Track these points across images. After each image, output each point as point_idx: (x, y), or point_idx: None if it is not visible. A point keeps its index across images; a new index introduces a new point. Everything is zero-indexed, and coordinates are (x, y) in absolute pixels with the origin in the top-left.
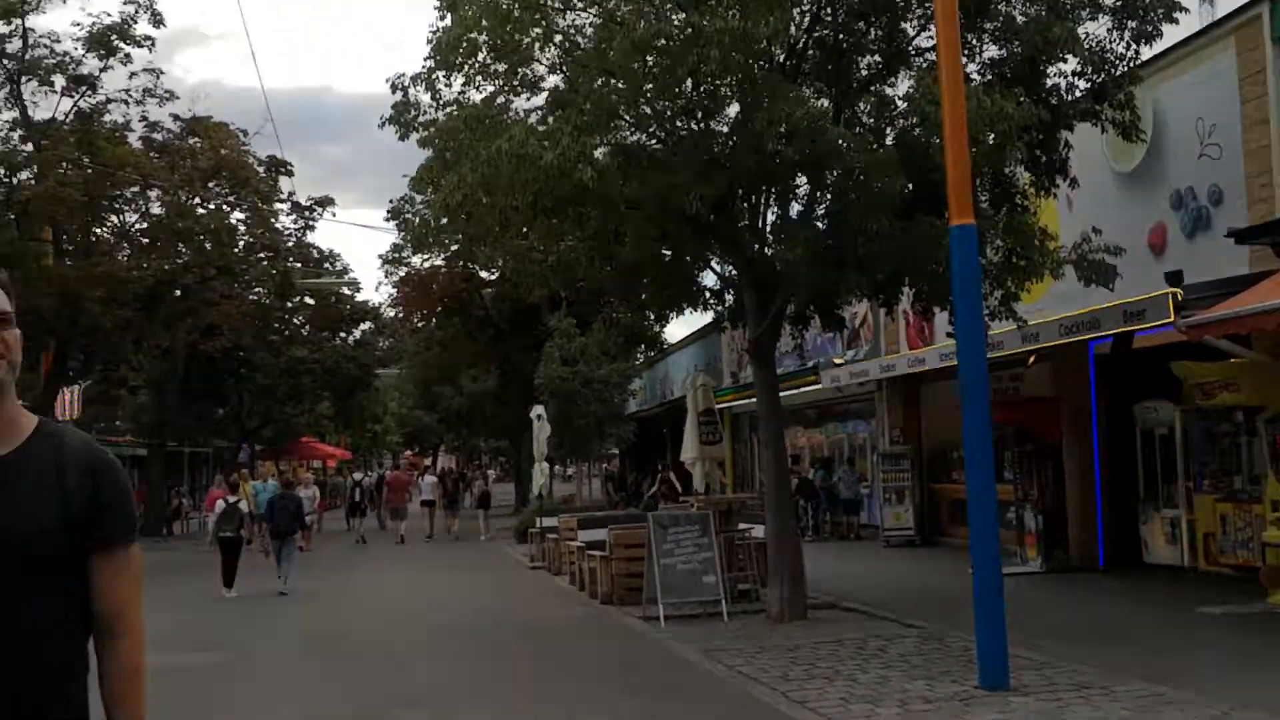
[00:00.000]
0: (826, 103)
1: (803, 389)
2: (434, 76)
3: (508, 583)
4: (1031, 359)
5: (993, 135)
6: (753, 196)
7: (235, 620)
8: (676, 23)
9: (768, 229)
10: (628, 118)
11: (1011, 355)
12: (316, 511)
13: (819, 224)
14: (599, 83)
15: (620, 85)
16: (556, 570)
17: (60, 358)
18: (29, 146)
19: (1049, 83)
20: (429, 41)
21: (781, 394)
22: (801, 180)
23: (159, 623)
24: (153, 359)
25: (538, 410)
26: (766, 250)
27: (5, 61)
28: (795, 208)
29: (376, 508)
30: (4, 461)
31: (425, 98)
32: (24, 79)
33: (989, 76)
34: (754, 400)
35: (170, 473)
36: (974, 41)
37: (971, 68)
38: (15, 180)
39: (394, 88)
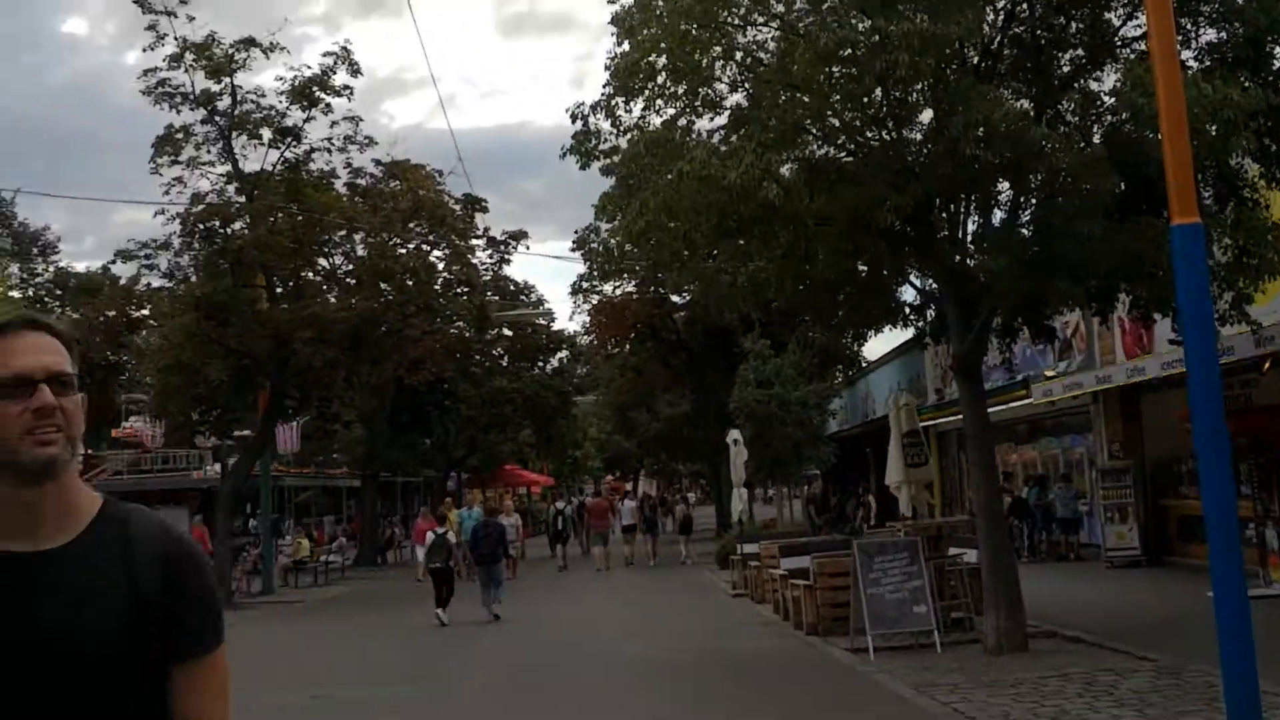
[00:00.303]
0: (1026, 103)
1: (1012, 404)
2: (613, 103)
3: (709, 611)
4: (1267, 364)
5: (1215, 125)
6: (951, 205)
7: (441, 651)
8: (861, 30)
9: (969, 238)
10: (814, 131)
11: (1244, 361)
12: (519, 539)
13: (1024, 230)
14: (782, 98)
15: (805, 99)
16: (759, 598)
17: (276, 396)
18: (241, 198)
19: (1276, 65)
20: (607, 68)
21: (990, 410)
22: (1003, 185)
23: (370, 652)
24: (362, 394)
25: (734, 434)
26: (969, 261)
27: (217, 119)
28: (997, 215)
29: (578, 534)
30: (60, 554)
31: (605, 125)
32: (234, 134)
33: (1207, 62)
34: (960, 418)
35: (384, 503)
36: (1189, 26)
37: (1187, 54)
38: (229, 230)
39: (574, 117)
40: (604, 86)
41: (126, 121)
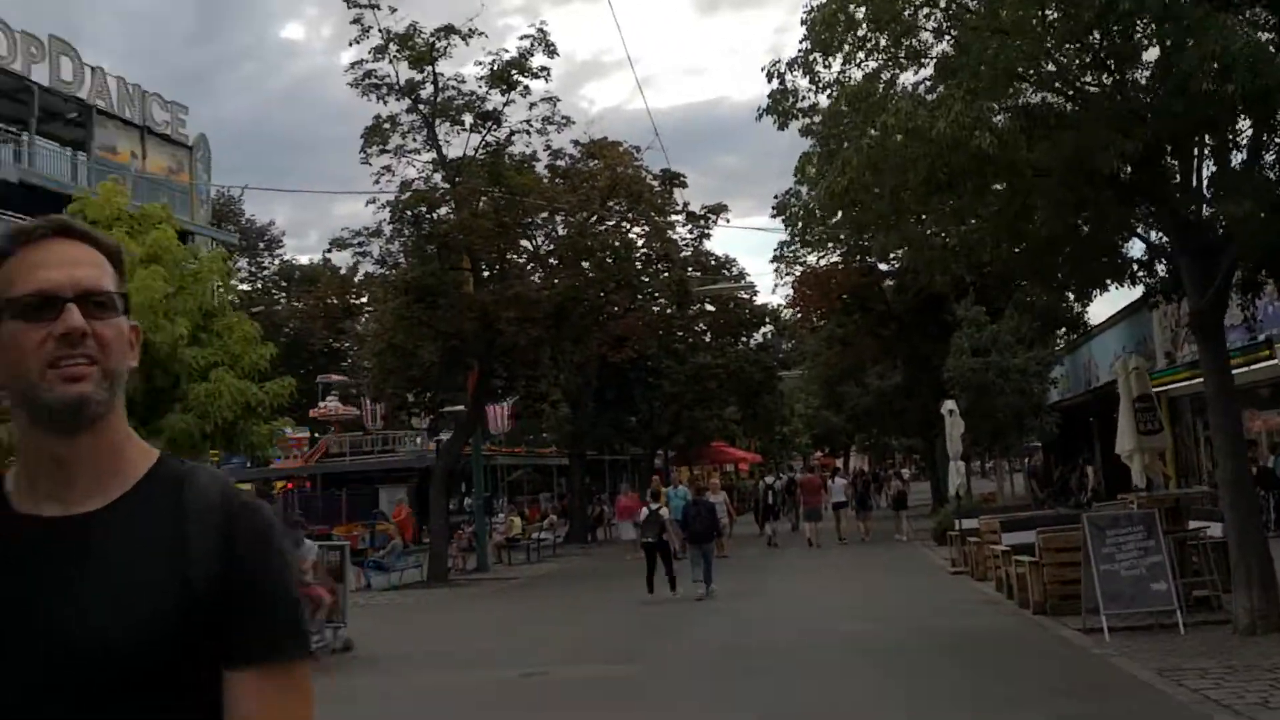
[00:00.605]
0: (1267, 35)
1: (1254, 365)
2: (811, 59)
3: (927, 589)
4: None
5: None
6: (1184, 149)
7: (653, 628)
8: None
9: (1205, 184)
10: (1028, 77)
11: None
12: (728, 517)
13: (1270, 173)
14: (993, 44)
15: (1017, 43)
16: (980, 575)
17: (484, 376)
18: (446, 184)
19: None
20: (804, 21)
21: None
22: (1244, 124)
23: (580, 630)
24: (568, 372)
25: (949, 405)
26: (1205, 209)
27: (421, 107)
28: (1237, 157)
29: (788, 510)
30: (97, 520)
31: (803, 82)
32: (437, 121)
33: None
34: (1194, 382)
35: (592, 480)
36: None
37: None
38: (435, 216)
39: (770, 76)
40: (801, 42)
41: (343, 118)
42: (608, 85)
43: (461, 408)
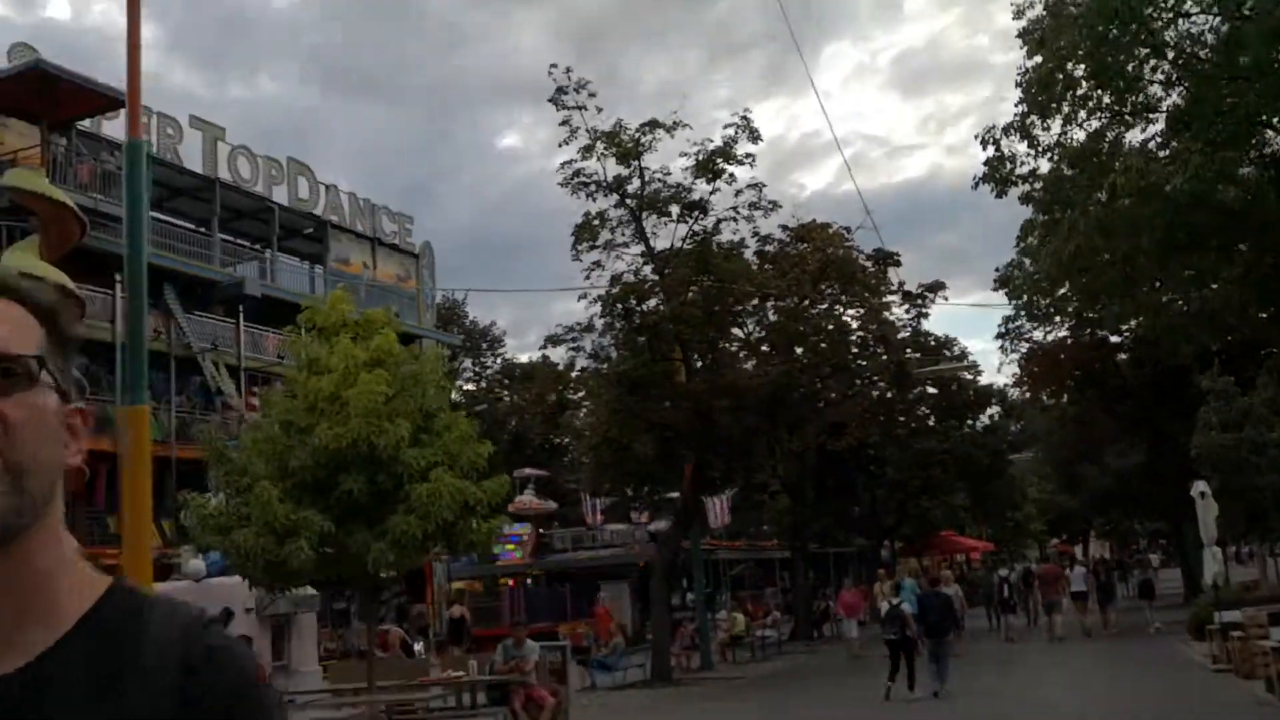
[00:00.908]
0: None
1: None
2: (1028, 122)
3: (1183, 689)
4: None
5: None
6: None
7: None
8: None
9: None
10: (1274, 123)
11: None
12: (961, 610)
13: None
14: (1231, 91)
15: (1257, 87)
16: (1246, 674)
17: (700, 468)
18: (654, 275)
19: None
20: (1018, 84)
21: None
22: None
23: None
24: (785, 462)
25: (1199, 486)
26: None
27: (628, 201)
28: None
29: (1025, 602)
30: (7, 688)
31: (1021, 147)
32: (644, 214)
33: None
34: None
35: (816, 574)
36: None
37: None
38: (645, 307)
39: (985, 142)
40: (1016, 105)
41: (560, 219)
42: (816, 170)
43: (677, 494)
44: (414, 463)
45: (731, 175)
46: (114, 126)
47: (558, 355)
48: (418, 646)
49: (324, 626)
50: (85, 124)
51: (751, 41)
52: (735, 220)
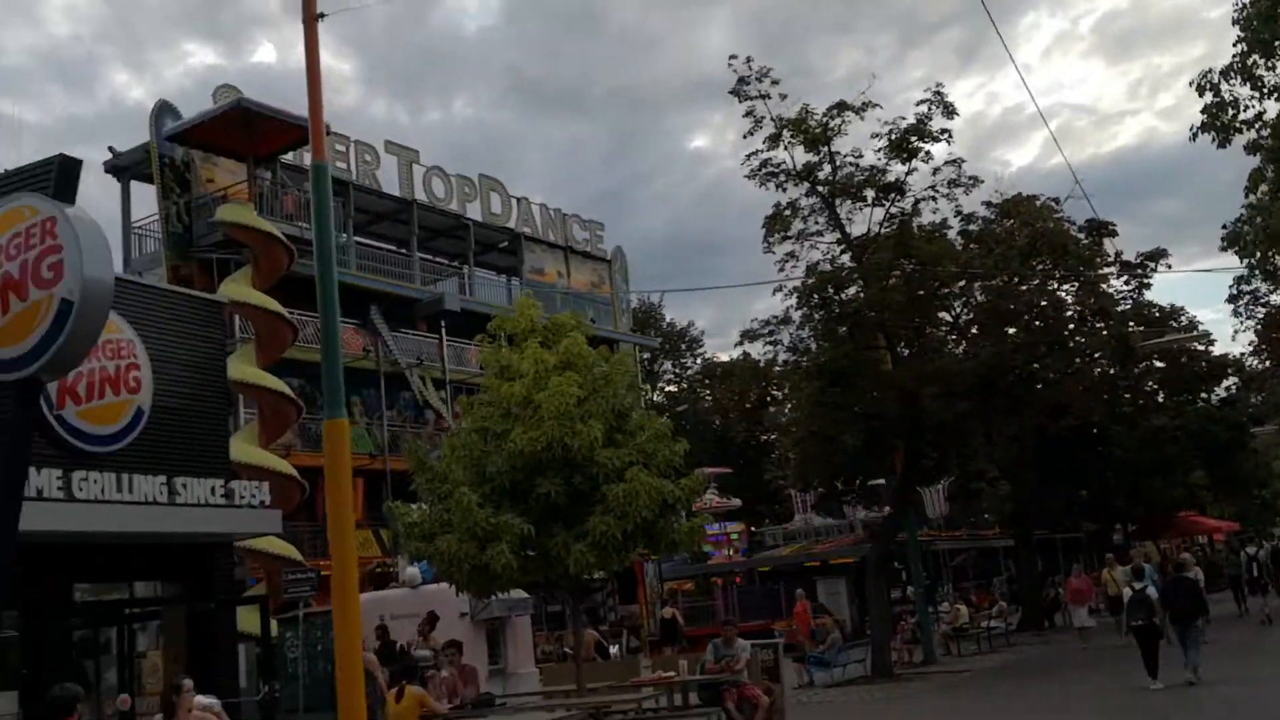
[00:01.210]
0: None
1: None
2: (1250, 62)
3: None
4: None
5: None
6: None
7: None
8: None
9: None
10: None
11: None
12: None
13: None
14: None
15: None
16: None
17: (911, 457)
18: (851, 261)
19: None
20: (1236, 22)
21: None
22: None
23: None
24: (1003, 447)
25: None
26: None
27: (819, 188)
28: None
29: (1276, 582)
30: None
31: (1244, 91)
32: (838, 200)
33: None
34: None
35: (1044, 562)
36: None
37: None
38: (843, 296)
39: (1200, 89)
40: (1234, 45)
41: (754, 216)
42: (1020, 146)
43: (882, 481)
44: (609, 463)
45: (928, 153)
46: None
47: (756, 351)
48: (611, 650)
49: (540, 629)
50: (289, 157)
51: (943, 21)
52: (934, 199)
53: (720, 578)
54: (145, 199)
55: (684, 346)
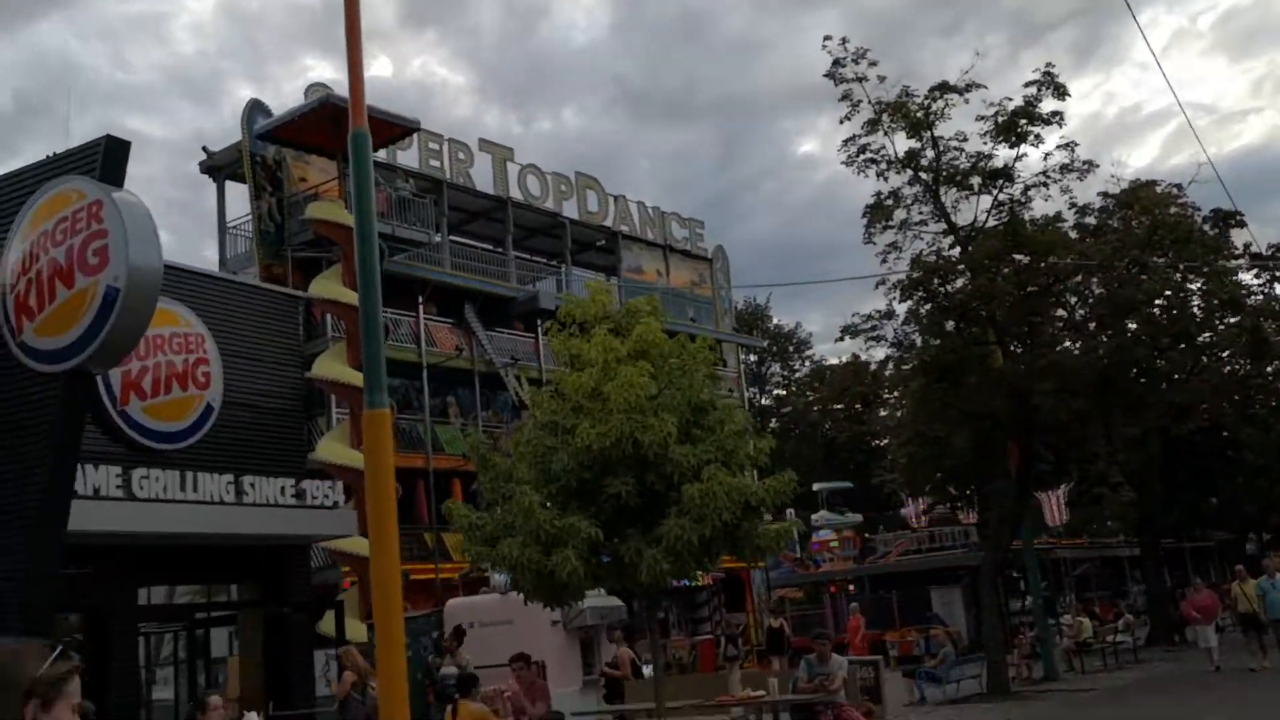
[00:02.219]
0: None
1: None
2: None
3: None
4: None
5: None
6: None
7: None
8: None
9: None
10: None
11: None
12: None
13: None
14: None
15: None
16: None
17: (1026, 460)
18: (956, 251)
19: None
20: None
21: None
22: None
23: None
24: (1126, 451)
25: None
26: None
27: (922, 175)
28: None
29: None
30: None
31: None
32: (942, 188)
33: None
34: None
35: (1172, 573)
36: None
37: None
38: (949, 288)
39: None
40: None
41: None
42: (1139, 146)
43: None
44: (684, 461)
45: (1037, 136)
46: (408, 156)
47: (857, 347)
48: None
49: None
50: (382, 155)
51: (1056, 20)
52: (1045, 185)
53: (835, 584)
54: (241, 199)
55: (792, 349)
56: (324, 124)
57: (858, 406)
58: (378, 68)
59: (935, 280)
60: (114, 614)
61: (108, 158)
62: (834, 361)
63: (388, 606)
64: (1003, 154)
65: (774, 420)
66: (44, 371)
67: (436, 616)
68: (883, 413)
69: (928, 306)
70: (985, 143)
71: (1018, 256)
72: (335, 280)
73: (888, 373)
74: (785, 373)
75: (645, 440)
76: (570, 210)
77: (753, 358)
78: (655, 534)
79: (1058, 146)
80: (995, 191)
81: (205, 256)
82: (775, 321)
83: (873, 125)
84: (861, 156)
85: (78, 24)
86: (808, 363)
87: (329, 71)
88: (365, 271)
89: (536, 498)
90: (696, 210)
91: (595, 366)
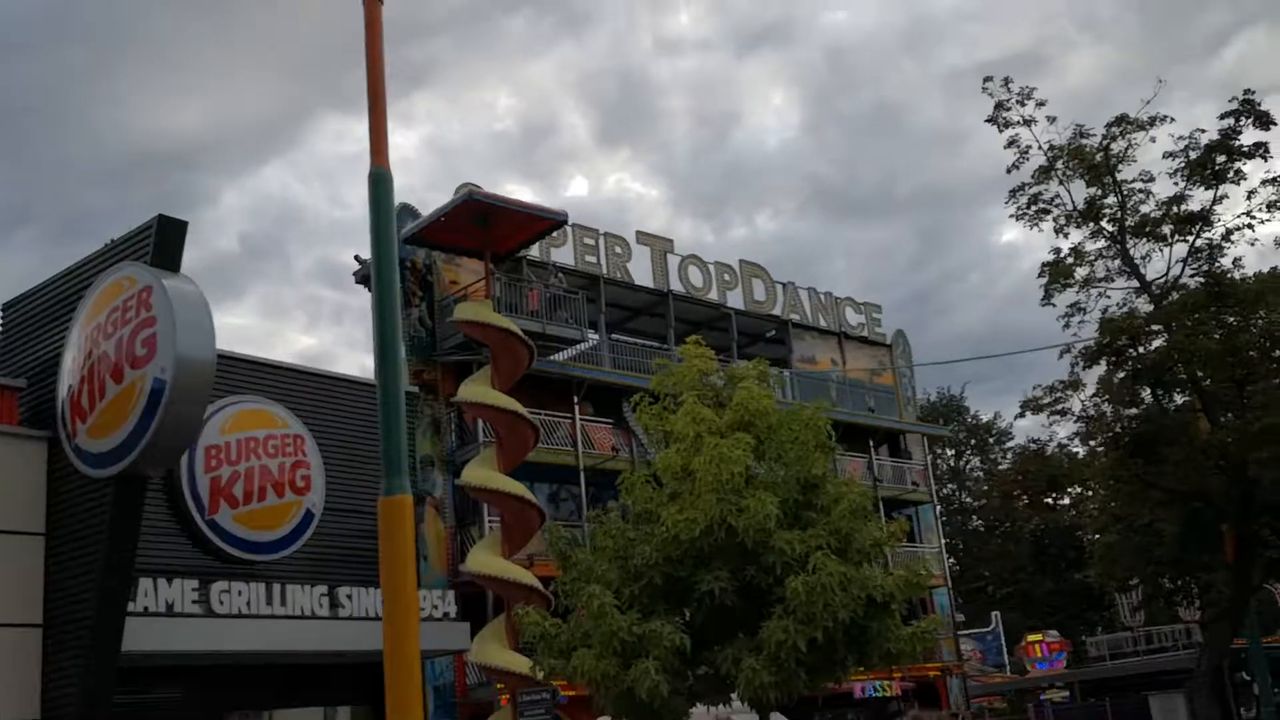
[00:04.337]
0: None
1: None
2: None
3: None
4: None
5: None
6: None
7: None
8: None
9: None
10: None
11: None
12: None
13: None
14: None
15: None
16: None
17: (1244, 543)
18: (1149, 306)
19: None
20: None
21: None
22: None
23: None
24: None
25: None
26: None
27: (1105, 225)
28: None
29: None
30: None
31: None
32: (1129, 239)
33: None
34: None
35: None
36: None
37: None
38: (1141, 350)
39: None
40: None
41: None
42: None
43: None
44: (789, 549)
45: (1238, 172)
46: (563, 253)
47: (1040, 423)
48: None
49: None
50: (535, 253)
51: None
52: (1250, 228)
53: (1042, 693)
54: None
55: (991, 440)
56: (469, 223)
57: (1049, 497)
58: (574, 187)
59: (1125, 341)
60: None
61: (161, 240)
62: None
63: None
64: (1198, 196)
65: (975, 519)
66: (96, 476)
67: None
68: (1067, 501)
69: (1120, 375)
70: (1176, 183)
71: (1223, 312)
72: (484, 382)
73: (1075, 451)
74: (985, 466)
75: (740, 525)
76: (735, 300)
77: (950, 452)
78: (757, 640)
79: (1263, 182)
80: (1192, 238)
81: (366, 366)
82: (974, 413)
83: (1044, 173)
84: (1034, 208)
85: (299, 166)
86: (1010, 455)
87: (529, 195)
88: (384, 329)
89: (610, 598)
90: (898, 306)
91: (685, 441)
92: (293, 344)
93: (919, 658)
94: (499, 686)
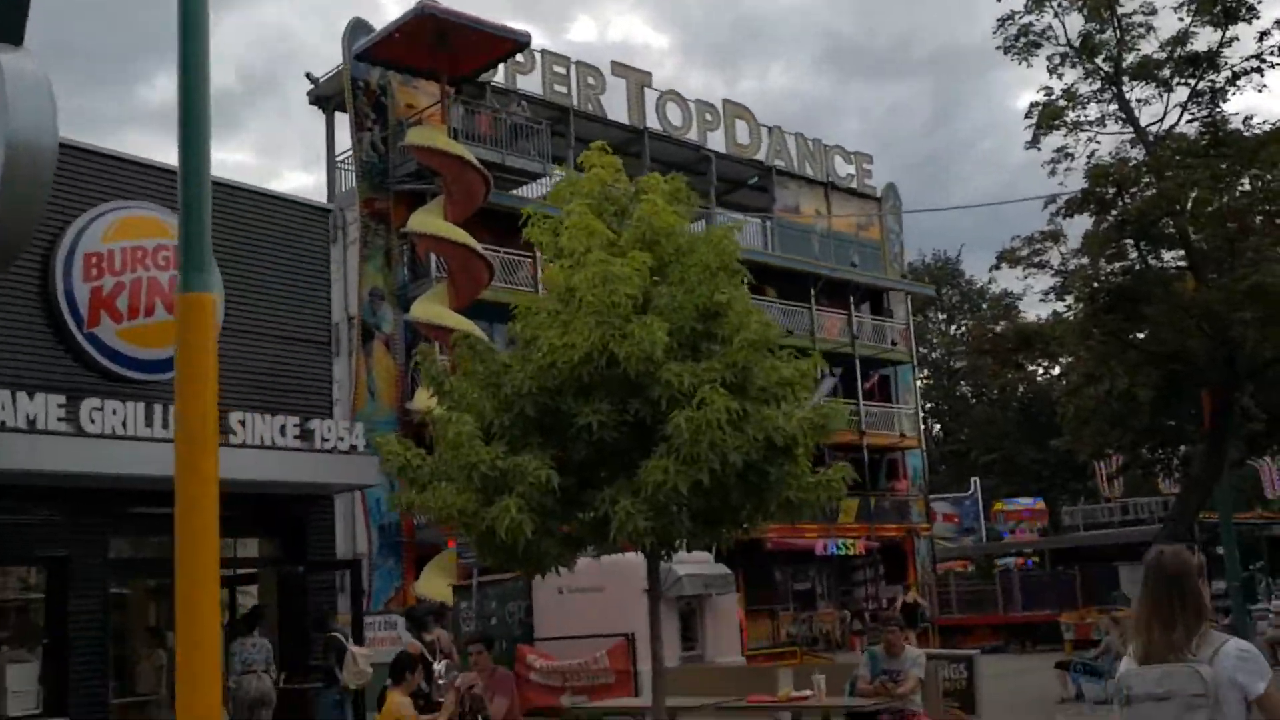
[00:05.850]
0: None
1: None
2: None
3: None
4: None
5: None
6: None
7: None
8: None
9: None
10: None
11: None
12: None
13: None
14: None
15: None
16: None
17: (1222, 411)
18: (1141, 154)
19: None
20: None
21: None
22: None
23: None
24: None
25: None
26: None
27: (1102, 65)
28: None
29: None
30: None
31: None
32: (1125, 80)
33: None
34: None
35: None
36: None
37: None
38: (1128, 199)
39: None
40: None
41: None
42: None
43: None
44: (677, 382)
45: (1251, 9)
46: (530, 80)
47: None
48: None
49: (786, 609)
50: (499, 78)
51: None
52: (1260, 72)
53: (1022, 557)
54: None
55: (984, 307)
56: (426, 40)
57: (1018, 356)
58: (578, 30)
59: (1113, 190)
60: (79, 568)
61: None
62: (1033, 318)
63: (196, 550)
64: (1204, 36)
65: (963, 384)
66: None
67: (525, 582)
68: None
69: (1104, 226)
70: (1181, 19)
71: (1218, 161)
72: (437, 214)
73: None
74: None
75: (623, 353)
76: (716, 143)
77: (942, 316)
78: (636, 483)
79: (1278, 21)
80: (1194, 82)
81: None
82: (968, 276)
83: (1037, 2)
84: (1023, 40)
85: (297, 2)
86: (1001, 324)
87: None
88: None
89: (472, 428)
90: (909, 170)
91: (572, 258)
92: (289, 181)
93: (826, 509)
94: (445, 530)
